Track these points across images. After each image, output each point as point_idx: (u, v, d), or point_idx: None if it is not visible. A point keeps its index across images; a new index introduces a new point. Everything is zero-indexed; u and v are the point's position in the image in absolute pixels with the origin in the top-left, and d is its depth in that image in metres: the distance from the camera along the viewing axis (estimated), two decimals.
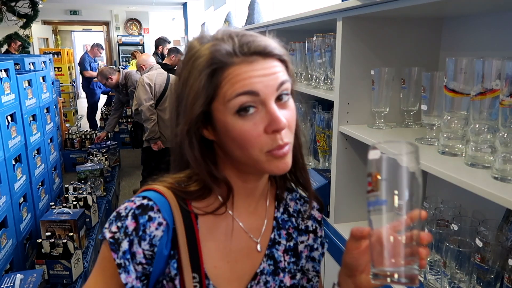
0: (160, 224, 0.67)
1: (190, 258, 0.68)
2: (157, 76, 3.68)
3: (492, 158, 0.93)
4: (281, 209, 0.81)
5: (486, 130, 0.94)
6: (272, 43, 0.66)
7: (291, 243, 0.79)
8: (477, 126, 0.95)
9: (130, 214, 0.67)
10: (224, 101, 0.63)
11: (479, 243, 1.00)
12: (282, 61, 0.67)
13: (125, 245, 0.66)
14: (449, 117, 1.05)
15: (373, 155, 0.60)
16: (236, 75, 0.62)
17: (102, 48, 8.14)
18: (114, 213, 0.69)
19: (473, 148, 0.96)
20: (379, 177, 0.59)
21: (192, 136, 0.68)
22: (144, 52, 10.87)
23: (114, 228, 0.67)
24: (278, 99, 0.65)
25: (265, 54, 0.64)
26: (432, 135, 1.19)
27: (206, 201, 0.72)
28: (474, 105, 0.95)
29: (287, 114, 0.65)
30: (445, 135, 1.07)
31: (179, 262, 0.67)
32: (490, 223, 1.09)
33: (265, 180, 0.76)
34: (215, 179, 0.70)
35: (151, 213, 0.68)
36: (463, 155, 1.03)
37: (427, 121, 1.19)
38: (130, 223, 0.67)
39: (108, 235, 0.67)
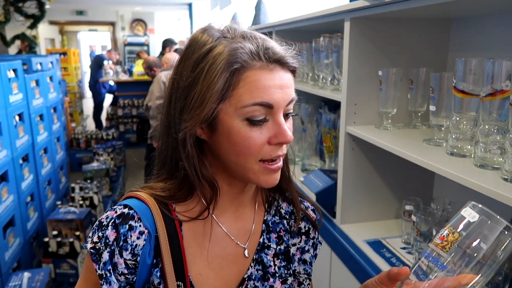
0: (141, 233, 0.65)
1: (174, 266, 0.66)
2: None
3: (501, 159, 0.93)
4: (272, 211, 0.79)
5: (495, 131, 0.93)
6: (290, 53, 0.64)
7: (282, 247, 0.77)
8: (486, 127, 0.94)
9: (110, 223, 0.66)
10: (237, 105, 0.61)
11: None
12: (293, 72, 0.66)
13: (105, 256, 0.64)
14: (458, 118, 1.05)
15: (470, 215, 0.51)
16: (255, 80, 0.60)
17: (118, 53, 8.23)
18: (97, 222, 0.68)
19: (482, 149, 0.96)
20: (457, 242, 0.50)
21: (188, 136, 0.65)
22: (149, 52, 10.91)
23: (95, 238, 0.66)
24: (286, 114, 0.65)
25: (283, 63, 0.63)
26: (441, 136, 1.19)
27: (190, 203, 0.70)
28: (483, 106, 0.95)
29: (289, 128, 0.65)
30: (454, 136, 1.07)
31: (162, 271, 0.65)
32: None
33: (253, 187, 0.74)
34: (203, 179, 0.67)
35: (132, 222, 0.66)
36: (472, 156, 1.02)
37: (436, 122, 1.18)
38: (110, 233, 0.65)
39: (89, 245, 0.66)
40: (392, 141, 1.25)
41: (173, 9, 11.00)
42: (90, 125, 7.79)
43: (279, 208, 0.80)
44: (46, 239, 2.37)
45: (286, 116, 0.65)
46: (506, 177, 0.87)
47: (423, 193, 1.54)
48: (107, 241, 0.65)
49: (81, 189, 3.21)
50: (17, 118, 2.61)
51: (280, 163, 0.65)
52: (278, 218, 0.79)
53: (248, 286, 0.72)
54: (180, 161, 0.66)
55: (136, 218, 0.66)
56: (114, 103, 7.31)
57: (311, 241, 0.81)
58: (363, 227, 1.54)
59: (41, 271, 2.07)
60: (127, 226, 0.65)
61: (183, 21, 11.21)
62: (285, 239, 0.78)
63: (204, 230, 0.70)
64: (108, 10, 11.30)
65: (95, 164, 3.89)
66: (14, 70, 2.58)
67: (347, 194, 1.54)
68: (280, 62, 0.62)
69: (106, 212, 0.69)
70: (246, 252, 0.73)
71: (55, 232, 2.44)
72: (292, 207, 0.80)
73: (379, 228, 1.53)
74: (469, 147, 1.05)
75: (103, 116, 7.46)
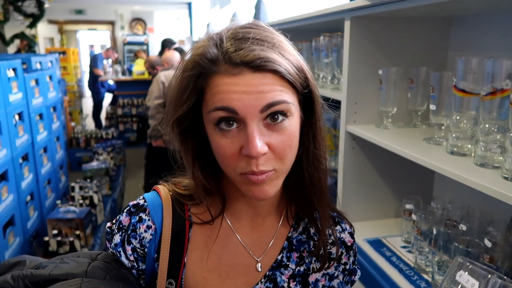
0: (148, 227, 0.68)
1: (170, 264, 0.67)
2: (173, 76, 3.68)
3: (501, 158, 0.93)
4: (300, 228, 0.72)
5: (495, 130, 0.94)
6: (275, 56, 0.56)
7: (301, 268, 0.71)
8: (486, 126, 0.95)
9: (126, 210, 0.70)
10: (206, 111, 0.58)
11: (488, 243, 1.00)
12: (285, 77, 0.56)
13: (117, 238, 0.69)
14: (458, 117, 1.05)
15: (467, 282, 0.53)
16: (216, 85, 0.56)
17: (116, 52, 8.21)
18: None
19: (483, 148, 0.96)
20: None
21: (187, 135, 0.64)
22: (148, 52, 10.90)
23: (114, 220, 0.71)
24: (272, 118, 0.56)
25: (255, 67, 0.54)
26: (441, 135, 1.19)
27: (204, 206, 0.69)
28: (483, 105, 0.95)
29: (275, 139, 0.57)
30: (454, 135, 1.07)
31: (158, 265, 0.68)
32: (498, 224, 1.08)
33: (273, 198, 0.69)
34: (207, 184, 0.66)
35: (142, 215, 0.69)
36: (472, 155, 1.03)
37: (436, 121, 1.19)
38: (124, 219, 0.70)
39: (109, 223, 0.72)
40: (392, 140, 1.25)
41: (173, 8, 11.00)
42: (90, 124, 7.78)
43: (308, 226, 0.73)
44: (46, 238, 2.37)
45: (275, 119, 0.56)
46: (507, 175, 0.87)
47: (423, 192, 1.54)
48: (121, 225, 0.70)
49: (81, 188, 3.20)
50: (16, 117, 2.60)
51: (263, 176, 0.57)
52: (305, 237, 0.72)
53: None
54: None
55: (146, 211, 0.69)
56: (113, 102, 7.31)
57: (342, 266, 0.74)
58: (363, 226, 1.54)
59: None
60: (137, 217, 0.69)
61: (182, 20, 11.20)
62: (307, 261, 0.71)
63: (216, 234, 0.69)
64: (107, 9, 11.29)
65: (94, 163, 3.89)
66: (14, 69, 2.57)
67: (347, 193, 1.54)
68: (248, 65, 0.54)
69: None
70: (259, 265, 0.69)
71: (55, 231, 2.44)
72: (327, 227, 0.71)
73: (380, 227, 1.53)
74: (469, 146, 1.05)
75: (103, 115, 7.45)
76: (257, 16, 2.86)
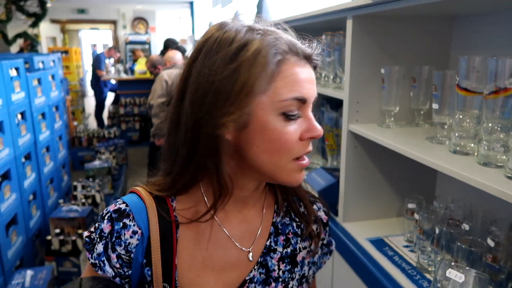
0: (134, 232, 0.66)
1: (163, 268, 0.66)
2: (176, 75, 3.68)
3: (505, 157, 0.92)
4: (282, 213, 0.76)
5: (499, 129, 0.93)
6: (315, 49, 0.65)
7: (288, 250, 0.74)
8: (489, 125, 0.94)
9: (107, 217, 0.67)
10: (274, 99, 0.59)
11: (490, 243, 0.99)
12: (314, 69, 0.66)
13: (99, 247, 0.66)
14: (461, 116, 1.04)
15: (454, 276, 0.74)
16: (292, 74, 0.60)
17: (118, 51, 8.22)
18: (101, 213, 0.69)
19: (486, 147, 0.96)
20: None
21: (216, 136, 0.61)
22: (150, 51, 10.91)
23: (92, 228, 0.68)
24: None
25: (311, 60, 0.64)
26: (443, 134, 1.19)
27: (190, 199, 0.68)
28: (486, 104, 0.94)
29: None
30: (456, 134, 1.07)
31: (151, 271, 0.66)
32: (501, 223, 1.08)
33: (261, 189, 0.73)
34: (221, 178, 0.63)
35: (126, 221, 0.66)
36: (475, 154, 1.02)
37: (438, 120, 1.18)
38: (106, 226, 0.66)
39: (85, 233, 0.68)
40: (395, 139, 1.25)
41: (175, 7, 11.00)
42: (92, 123, 7.80)
43: (289, 209, 0.77)
44: (49, 237, 2.38)
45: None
46: (510, 175, 0.87)
47: (426, 191, 1.54)
48: (102, 233, 0.66)
49: (83, 187, 3.21)
50: (19, 116, 2.61)
51: (307, 159, 0.65)
52: (288, 219, 0.76)
53: None
54: (195, 158, 0.63)
55: (130, 217, 0.66)
56: (115, 102, 7.32)
57: (320, 242, 0.80)
58: (366, 225, 1.54)
59: (44, 269, 2.08)
60: (121, 223, 0.66)
61: (184, 19, 11.21)
62: (293, 242, 0.75)
63: (205, 231, 0.69)
64: (109, 8, 11.31)
65: (97, 163, 3.89)
66: (16, 69, 2.58)
67: (350, 192, 1.54)
68: (309, 58, 0.63)
69: (111, 203, 0.70)
70: (250, 255, 0.71)
71: (57, 230, 2.45)
72: (303, 208, 0.77)
73: (382, 226, 1.53)
74: (472, 145, 1.05)
75: (105, 114, 7.47)
76: (259, 15, 2.85)
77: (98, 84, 7.31)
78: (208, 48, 0.61)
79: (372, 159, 1.52)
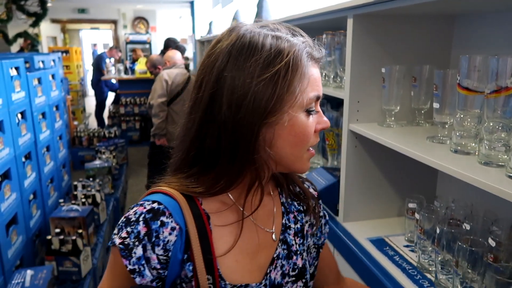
0: (173, 229, 0.67)
1: (204, 260, 0.68)
2: (177, 75, 3.67)
3: (506, 156, 0.92)
4: (284, 194, 0.85)
5: (500, 128, 0.93)
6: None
7: (298, 225, 0.84)
8: (491, 124, 0.94)
9: (141, 219, 0.66)
10: (302, 98, 0.67)
11: (492, 242, 0.99)
12: None
13: (139, 251, 0.65)
14: (462, 115, 1.04)
15: None
16: (313, 74, 0.69)
17: (120, 51, 8.23)
18: (123, 219, 0.68)
19: (487, 147, 0.95)
20: None
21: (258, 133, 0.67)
22: (151, 51, 10.91)
23: (124, 234, 0.66)
24: None
25: (320, 60, 0.72)
26: (444, 134, 1.18)
27: (216, 204, 0.73)
28: (488, 103, 0.94)
29: None
30: (457, 134, 1.06)
31: (194, 265, 0.68)
32: (503, 223, 1.07)
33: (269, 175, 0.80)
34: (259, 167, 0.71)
35: (163, 218, 0.67)
36: (476, 153, 1.02)
37: (439, 120, 1.18)
38: (141, 228, 0.66)
39: (117, 241, 0.66)
40: (395, 138, 1.25)
41: (175, 7, 11.00)
42: (92, 123, 7.81)
43: (287, 191, 0.85)
44: (49, 237, 2.37)
45: None
46: (511, 174, 0.86)
47: (427, 190, 1.54)
48: (139, 236, 0.66)
49: (83, 187, 3.21)
50: (19, 116, 2.61)
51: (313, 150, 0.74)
52: (290, 200, 0.85)
53: (277, 264, 0.77)
54: (238, 156, 0.67)
55: (167, 214, 0.67)
56: (116, 101, 7.32)
57: (318, 215, 0.88)
58: (366, 225, 1.54)
59: (44, 269, 2.07)
60: (158, 222, 0.66)
61: (185, 19, 11.20)
62: (299, 218, 0.85)
63: (233, 220, 0.74)
64: (109, 8, 11.31)
65: (97, 162, 3.89)
66: (17, 68, 2.58)
67: (350, 192, 1.53)
68: (318, 61, 0.72)
69: (132, 208, 0.69)
70: (273, 235, 0.79)
71: (57, 230, 2.45)
72: (297, 188, 0.86)
73: (382, 226, 1.52)
74: (473, 144, 1.04)
75: (105, 114, 7.47)
76: (259, 14, 2.85)
77: (99, 84, 7.31)
78: (237, 52, 0.66)
79: (373, 159, 1.52)
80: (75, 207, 2.68)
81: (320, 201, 0.92)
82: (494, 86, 0.91)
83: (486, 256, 0.98)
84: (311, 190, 0.90)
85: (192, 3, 9.51)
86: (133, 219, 0.67)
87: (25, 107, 2.67)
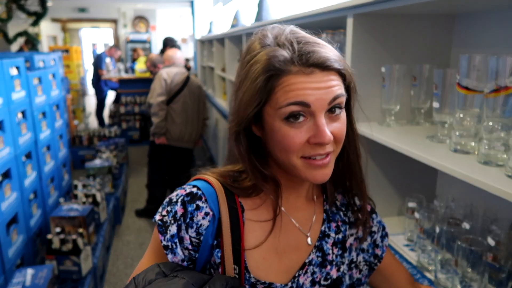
0: (206, 214, 0.71)
1: (233, 249, 0.70)
2: (176, 74, 3.67)
3: (505, 156, 0.92)
4: (329, 202, 0.83)
5: (499, 127, 0.93)
6: (333, 56, 0.66)
7: (340, 236, 0.82)
8: (490, 123, 0.94)
9: (179, 200, 0.72)
10: (276, 107, 0.65)
11: (491, 242, 0.99)
12: (341, 74, 0.67)
13: (173, 229, 0.70)
14: (461, 115, 1.04)
15: None
16: (290, 84, 0.64)
17: (119, 49, 8.23)
18: (167, 199, 0.74)
19: (486, 146, 0.95)
20: None
21: (240, 133, 0.71)
22: (151, 50, 10.91)
23: (164, 212, 0.72)
24: (330, 111, 0.66)
25: (324, 67, 0.65)
26: (444, 133, 1.18)
27: (254, 200, 0.75)
28: (487, 103, 0.94)
29: (335, 127, 0.67)
30: (457, 133, 1.06)
31: (222, 253, 0.70)
32: (502, 222, 1.08)
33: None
34: (262, 175, 0.73)
35: (199, 202, 0.71)
36: (476, 153, 1.02)
37: (439, 119, 1.18)
38: (179, 209, 0.71)
39: (157, 217, 0.73)
40: (395, 138, 1.25)
41: (175, 6, 10.99)
42: (93, 122, 7.81)
43: (335, 200, 0.84)
44: (49, 236, 2.38)
45: (332, 112, 0.67)
46: (510, 174, 0.86)
47: (426, 190, 1.54)
48: (176, 215, 0.71)
49: (84, 186, 3.22)
50: (19, 115, 2.61)
51: (325, 160, 0.67)
52: (335, 209, 0.84)
53: (308, 270, 0.76)
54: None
55: (203, 199, 0.71)
56: (116, 101, 7.32)
57: (368, 229, 0.85)
58: None
59: (44, 268, 2.08)
60: (194, 205, 0.71)
61: (185, 18, 11.20)
62: (342, 229, 0.82)
63: (268, 217, 0.75)
64: (110, 7, 11.31)
65: (97, 162, 3.90)
66: (17, 68, 2.58)
67: None
68: (319, 66, 0.64)
69: (176, 190, 0.75)
70: (309, 239, 0.78)
71: (58, 229, 2.45)
72: (347, 199, 0.85)
73: None
74: (473, 144, 1.05)
75: (106, 113, 7.47)
76: (259, 14, 2.85)
77: (99, 83, 7.31)
78: (242, 58, 0.71)
79: (372, 158, 1.52)
80: (75, 206, 2.69)
81: (375, 215, 0.89)
82: (494, 85, 0.91)
83: (486, 255, 0.99)
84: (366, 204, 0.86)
85: (192, 2, 9.50)
86: (174, 200, 0.72)
87: (25, 107, 2.67)
